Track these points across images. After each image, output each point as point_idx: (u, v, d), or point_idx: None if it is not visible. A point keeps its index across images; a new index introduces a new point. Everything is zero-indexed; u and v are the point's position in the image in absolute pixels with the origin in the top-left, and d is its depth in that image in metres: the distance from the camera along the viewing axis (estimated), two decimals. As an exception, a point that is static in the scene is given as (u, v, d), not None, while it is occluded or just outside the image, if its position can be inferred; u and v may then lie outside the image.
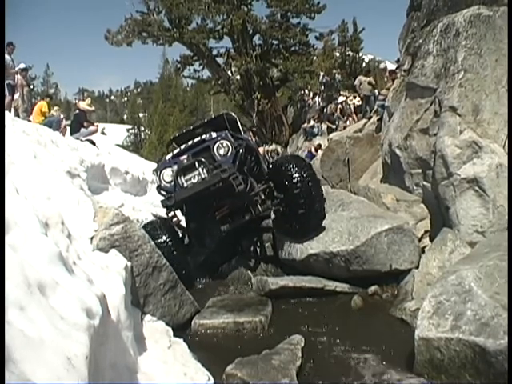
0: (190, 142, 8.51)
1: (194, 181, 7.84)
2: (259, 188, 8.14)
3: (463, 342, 4.35)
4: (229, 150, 7.90)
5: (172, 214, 8.07)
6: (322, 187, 8.59)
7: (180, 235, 8.44)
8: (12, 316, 2.86)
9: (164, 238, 7.77)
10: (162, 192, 8.18)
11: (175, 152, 8.55)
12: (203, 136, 8.48)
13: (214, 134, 8.32)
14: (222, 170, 7.57)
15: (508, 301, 4.36)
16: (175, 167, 8.00)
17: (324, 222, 8.00)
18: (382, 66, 19.00)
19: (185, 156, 8.05)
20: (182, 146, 8.62)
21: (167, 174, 8.04)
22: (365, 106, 20.23)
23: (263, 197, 8.09)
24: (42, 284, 3.41)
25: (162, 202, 7.99)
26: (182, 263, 7.63)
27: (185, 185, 7.88)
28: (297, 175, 7.76)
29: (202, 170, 7.84)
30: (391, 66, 18.38)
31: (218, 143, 7.97)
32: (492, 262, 4.83)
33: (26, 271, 3.34)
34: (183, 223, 8.61)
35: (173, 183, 7.99)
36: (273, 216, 8.58)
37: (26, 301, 3.09)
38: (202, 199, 7.83)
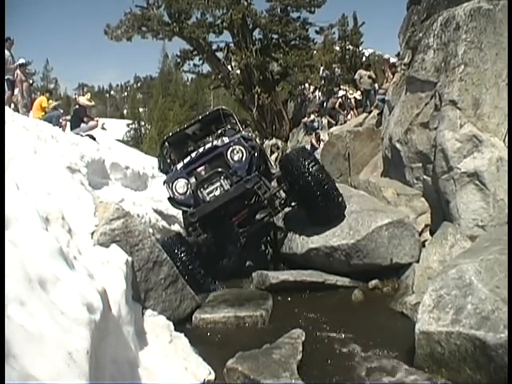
0: (201, 150, 8.35)
1: (217, 193, 7.69)
2: (275, 189, 8.10)
3: (463, 335, 4.36)
4: (243, 155, 7.76)
5: (197, 231, 7.74)
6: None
7: (196, 248, 8.09)
8: (12, 311, 2.86)
9: (182, 255, 7.53)
10: (176, 205, 8.07)
11: (186, 161, 8.33)
12: (215, 142, 8.33)
13: (225, 140, 8.22)
14: (246, 180, 7.46)
15: (508, 295, 4.36)
16: (192, 179, 7.85)
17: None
18: (386, 56, 18.99)
19: (202, 167, 7.89)
20: (193, 154, 8.42)
21: (180, 186, 7.86)
22: (365, 100, 20.20)
23: (280, 195, 8.04)
24: (42, 279, 3.42)
25: (184, 219, 7.81)
26: (201, 274, 7.57)
27: (207, 198, 7.71)
28: (306, 172, 7.62)
29: (224, 181, 7.70)
30: (392, 60, 18.32)
31: (231, 149, 7.83)
32: (492, 256, 4.82)
33: (26, 266, 3.34)
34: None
35: (188, 195, 7.82)
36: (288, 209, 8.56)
37: (26, 296, 3.09)
38: (221, 209, 7.66)
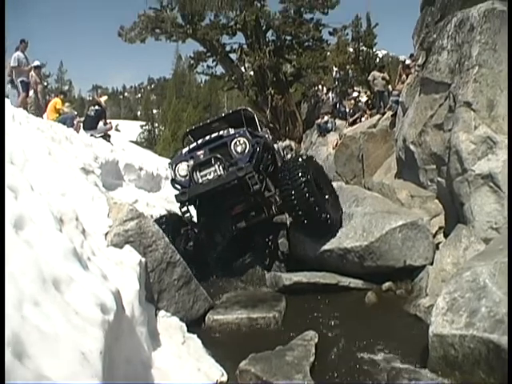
0: (207, 137, 8.48)
1: (210, 177, 7.83)
2: (274, 192, 8.09)
3: (477, 338, 4.33)
4: (246, 147, 7.87)
5: (185, 209, 8.05)
6: (335, 184, 8.61)
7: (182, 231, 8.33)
8: (27, 311, 2.88)
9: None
10: (177, 186, 8.20)
11: (191, 146, 8.53)
12: (221, 132, 8.45)
13: (231, 131, 8.32)
14: (239, 168, 7.57)
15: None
16: (191, 162, 8.00)
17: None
18: (401, 58, 18.93)
19: (202, 151, 8.02)
20: (199, 141, 8.58)
21: (182, 168, 8.06)
22: (379, 102, 20.13)
23: (278, 199, 8.03)
24: (56, 280, 3.44)
25: (176, 196, 8.00)
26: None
27: (200, 180, 7.88)
28: (292, 187, 7.59)
29: (219, 166, 7.81)
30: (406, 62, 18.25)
31: (235, 140, 7.94)
32: (507, 259, 4.79)
33: (41, 267, 3.36)
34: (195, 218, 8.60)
35: (188, 178, 7.99)
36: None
37: (41, 296, 3.11)
38: (216, 195, 7.82)
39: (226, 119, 10.04)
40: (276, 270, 8.20)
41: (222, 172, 7.79)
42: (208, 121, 10.57)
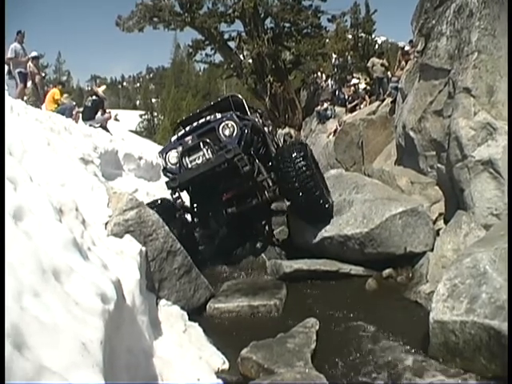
0: (195, 124, 8.51)
1: (199, 161, 7.85)
2: (267, 175, 8.10)
3: (478, 325, 4.33)
4: (234, 130, 7.87)
5: (176, 195, 8.04)
6: (335, 171, 8.57)
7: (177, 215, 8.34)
8: (27, 302, 2.88)
9: None
10: (168, 174, 8.22)
11: (180, 134, 8.58)
12: (208, 117, 8.46)
13: (218, 115, 8.31)
14: (227, 150, 7.55)
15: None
16: (180, 148, 8.03)
17: (338, 204, 8.02)
18: (401, 44, 18.81)
19: (190, 137, 8.05)
20: (187, 128, 8.63)
21: (172, 156, 8.10)
22: (378, 88, 20.07)
23: (271, 183, 8.03)
24: (56, 270, 3.43)
25: (166, 183, 8.00)
26: None
27: (189, 166, 7.91)
28: (293, 169, 7.62)
29: (207, 150, 7.82)
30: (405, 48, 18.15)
31: (223, 124, 7.95)
32: (507, 245, 4.78)
33: (40, 258, 3.36)
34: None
35: (178, 165, 8.01)
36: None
37: (40, 287, 3.11)
38: (207, 181, 7.82)
39: (215, 107, 10.04)
40: (276, 258, 8.20)
41: (210, 156, 7.80)
42: (198, 110, 10.63)
